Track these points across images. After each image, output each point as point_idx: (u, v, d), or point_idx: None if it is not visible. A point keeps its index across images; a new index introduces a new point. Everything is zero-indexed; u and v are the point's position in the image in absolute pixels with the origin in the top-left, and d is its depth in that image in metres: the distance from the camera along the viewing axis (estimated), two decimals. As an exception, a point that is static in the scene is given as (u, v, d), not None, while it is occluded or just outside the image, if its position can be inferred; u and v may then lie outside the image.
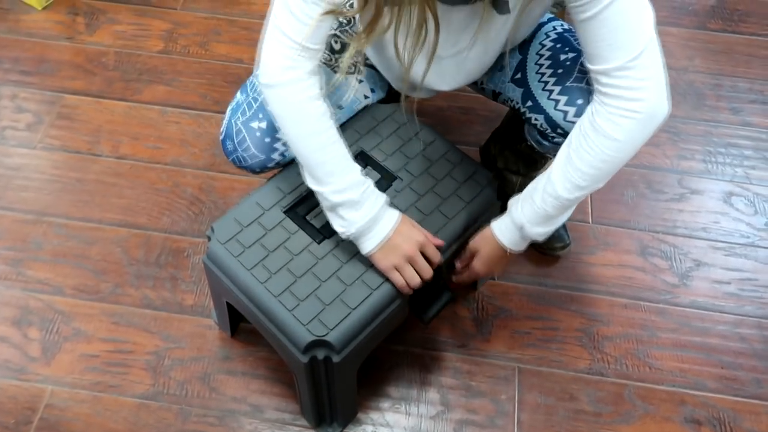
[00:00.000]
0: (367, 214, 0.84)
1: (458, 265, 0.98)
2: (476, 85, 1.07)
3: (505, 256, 0.94)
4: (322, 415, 0.99)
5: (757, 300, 1.18)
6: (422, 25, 0.77)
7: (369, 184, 0.86)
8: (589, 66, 0.80)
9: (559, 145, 0.97)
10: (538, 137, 0.99)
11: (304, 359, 0.84)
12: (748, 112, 1.45)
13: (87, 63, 1.48)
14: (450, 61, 0.91)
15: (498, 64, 0.99)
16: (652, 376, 1.09)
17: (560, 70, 0.91)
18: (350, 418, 1.03)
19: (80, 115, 1.40)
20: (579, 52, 0.92)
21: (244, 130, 0.93)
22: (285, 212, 0.93)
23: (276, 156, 0.95)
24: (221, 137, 0.96)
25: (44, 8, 1.58)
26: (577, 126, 0.83)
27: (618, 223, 1.27)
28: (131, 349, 1.10)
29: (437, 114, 1.40)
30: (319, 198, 0.87)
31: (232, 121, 0.94)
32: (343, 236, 0.86)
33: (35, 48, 1.51)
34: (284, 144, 0.94)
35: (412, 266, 0.87)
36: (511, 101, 1.00)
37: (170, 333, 1.12)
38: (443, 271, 0.94)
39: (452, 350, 1.11)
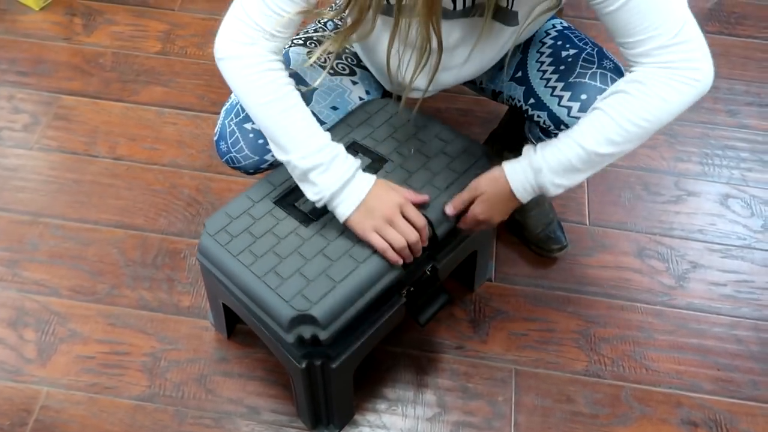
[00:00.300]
0: (338, 176, 0.81)
1: (453, 206, 0.89)
2: (475, 85, 1.07)
3: (508, 203, 0.87)
4: (319, 417, 0.99)
5: (753, 302, 1.18)
6: (425, 45, 0.77)
7: (339, 148, 0.83)
8: (625, 51, 0.78)
9: None
10: (540, 134, 0.99)
11: (301, 364, 0.84)
12: (745, 114, 1.45)
13: (84, 64, 1.48)
14: (447, 73, 0.92)
15: (498, 64, 0.99)
16: (649, 378, 1.09)
17: (562, 67, 0.92)
18: (347, 420, 1.03)
19: (77, 115, 1.40)
20: (580, 49, 0.92)
21: (237, 131, 0.93)
22: (275, 202, 0.91)
23: (269, 157, 0.94)
24: (215, 138, 0.96)
25: (41, 9, 1.58)
26: (612, 89, 0.80)
27: (615, 224, 1.27)
28: (127, 351, 1.09)
29: (436, 115, 1.40)
30: (289, 169, 0.84)
31: (226, 122, 0.94)
32: (318, 204, 0.84)
33: (32, 49, 1.50)
34: None
35: (394, 229, 0.82)
36: (512, 99, 1.00)
37: (166, 334, 1.11)
38: (440, 275, 0.94)
39: (449, 352, 1.11)
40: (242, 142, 0.93)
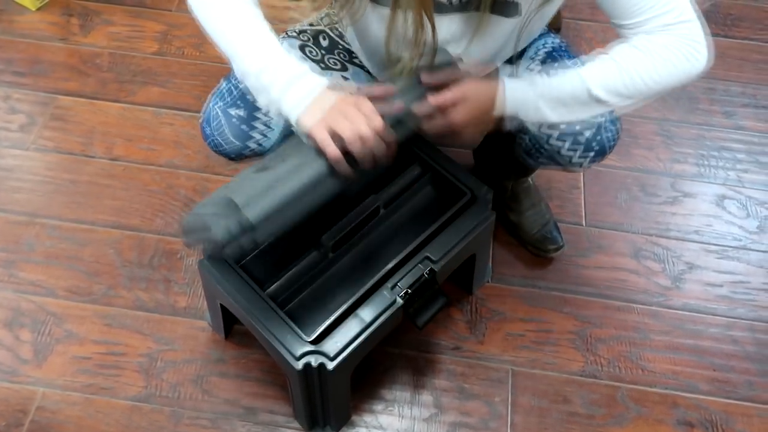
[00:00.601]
0: (288, 70, 0.76)
1: (433, 101, 0.80)
2: None
3: (488, 119, 0.83)
4: (315, 418, 0.99)
5: (749, 303, 1.18)
6: (418, 35, 0.77)
7: (291, 54, 0.80)
8: (626, 31, 0.80)
9: (544, 165, 0.98)
10: (524, 155, 1.00)
11: (298, 366, 0.84)
12: (741, 115, 1.45)
13: (81, 64, 1.48)
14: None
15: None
16: (645, 379, 1.10)
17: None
18: (344, 421, 1.03)
19: (74, 116, 1.39)
20: None
21: (222, 116, 0.93)
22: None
23: (252, 144, 0.95)
24: (200, 121, 0.97)
25: (38, 9, 1.58)
26: (619, 43, 0.81)
27: (611, 225, 1.27)
28: (124, 351, 1.09)
29: (431, 116, 1.41)
30: (245, 80, 0.81)
31: (213, 106, 0.95)
32: (272, 111, 0.80)
33: (29, 49, 1.50)
34: (261, 133, 0.94)
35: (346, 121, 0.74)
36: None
37: (163, 335, 1.11)
38: (438, 278, 0.93)
39: (446, 353, 1.11)
40: (225, 127, 0.93)
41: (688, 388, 1.09)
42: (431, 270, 0.92)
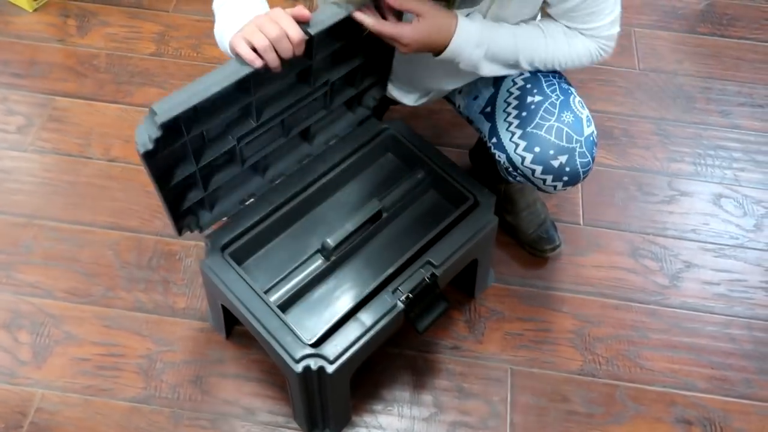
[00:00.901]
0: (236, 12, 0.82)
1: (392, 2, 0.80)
2: (455, 106, 1.09)
3: (434, 46, 0.85)
4: (315, 420, 0.99)
5: (746, 300, 1.19)
6: None
7: None
8: (562, 20, 0.93)
9: (522, 183, 1.00)
10: (503, 171, 1.01)
11: (298, 369, 0.84)
12: (737, 114, 1.46)
13: (78, 65, 1.48)
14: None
15: (473, 92, 1.01)
16: (643, 377, 1.10)
17: (524, 113, 0.93)
18: (344, 423, 1.03)
19: (71, 117, 1.39)
20: (545, 97, 0.94)
21: None
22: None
23: None
24: None
25: (35, 10, 1.57)
26: (563, 33, 0.92)
27: (609, 224, 1.28)
28: (123, 353, 1.09)
29: (430, 117, 1.41)
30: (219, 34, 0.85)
31: None
32: (224, 46, 0.83)
33: (26, 50, 1.50)
34: None
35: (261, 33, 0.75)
36: (480, 132, 1.03)
37: (162, 336, 1.11)
38: (439, 283, 0.93)
39: (445, 352, 1.11)
40: None
41: (687, 386, 1.09)
42: (433, 274, 0.91)
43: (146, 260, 1.20)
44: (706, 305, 1.18)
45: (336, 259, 0.95)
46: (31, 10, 1.57)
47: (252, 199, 0.98)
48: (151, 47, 1.51)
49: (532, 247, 1.21)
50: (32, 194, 1.28)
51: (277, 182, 1.00)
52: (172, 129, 0.76)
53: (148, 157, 0.74)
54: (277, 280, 0.94)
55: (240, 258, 0.94)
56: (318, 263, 0.95)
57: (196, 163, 0.84)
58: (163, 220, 1.25)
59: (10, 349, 1.09)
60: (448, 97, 1.11)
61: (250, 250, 0.96)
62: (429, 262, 0.92)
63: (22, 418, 1.02)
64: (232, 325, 1.10)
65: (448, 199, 1.03)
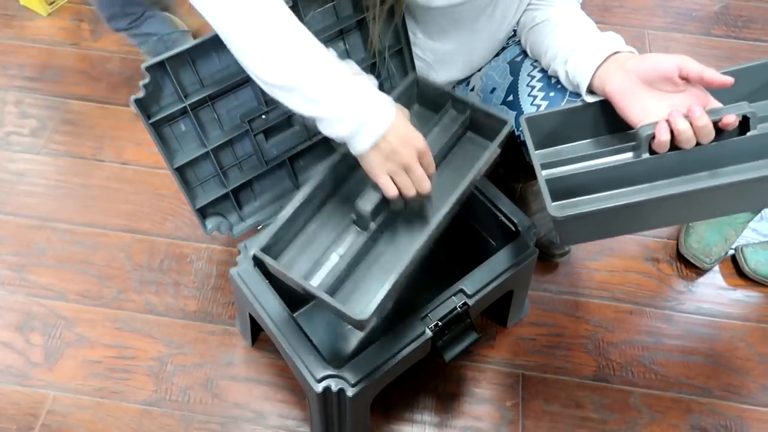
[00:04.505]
0: (360, 101, 0.70)
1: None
2: None
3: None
4: None
5: (763, 306, 1.17)
6: None
7: (354, 65, 0.77)
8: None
9: None
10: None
11: (318, 388, 0.83)
12: (753, 117, 1.44)
13: (91, 69, 1.49)
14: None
15: (490, 85, 1.00)
16: (658, 383, 1.08)
17: (552, 93, 0.91)
18: None
19: (84, 120, 1.40)
20: None
21: None
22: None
23: None
24: None
25: (49, 15, 1.59)
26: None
27: (623, 229, 1.26)
28: (134, 355, 1.09)
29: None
30: (292, 95, 0.71)
31: None
32: (329, 135, 0.73)
33: (40, 54, 1.51)
34: None
35: (408, 177, 0.75)
36: None
37: (173, 339, 1.11)
38: (471, 313, 0.89)
39: (456, 357, 1.10)
40: None
41: (702, 392, 1.08)
42: (465, 303, 0.88)
43: (158, 263, 1.20)
44: (722, 311, 1.17)
45: (374, 232, 0.82)
46: (45, 14, 1.58)
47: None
48: (164, 51, 1.52)
49: (541, 250, 1.19)
50: (45, 197, 1.28)
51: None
52: None
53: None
54: (311, 265, 0.82)
55: (275, 253, 0.82)
56: (354, 236, 0.83)
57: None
58: (174, 223, 1.25)
59: (23, 350, 1.10)
60: None
61: (283, 246, 0.83)
62: (462, 291, 0.89)
63: (33, 420, 1.03)
64: (258, 332, 1.09)
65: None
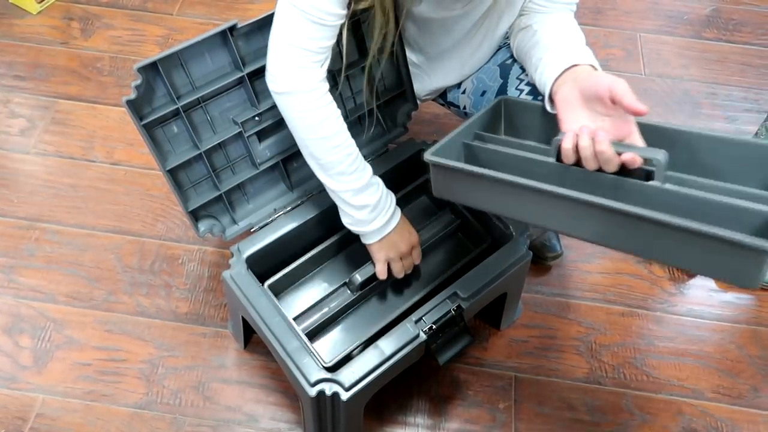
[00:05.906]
0: (381, 217, 0.89)
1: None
2: (459, 109, 1.08)
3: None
4: None
5: (754, 308, 1.18)
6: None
7: (380, 186, 0.89)
8: None
9: None
10: None
11: (312, 392, 0.82)
12: (743, 120, 1.45)
13: (82, 68, 1.47)
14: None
15: (480, 88, 1.01)
16: (650, 385, 1.09)
17: (540, 97, 0.91)
18: None
19: (74, 120, 1.39)
20: None
21: None
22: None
23: None
24: None
25: (39, 13, 1.57)
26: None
27: (615, 231, 1.27)
28: (124, 358, 1.08)
29: (434, 121, 1.40)
30: (330, 193, 0.89)
31: None
32: (350, 228, 0.91)
33: (29, 53, 1.50)
34: None
35: (401, 263, 0.95)
36: None
37: (164, 341, 1.10)
38: (465, 316, 0.90)
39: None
40: None
41: (694, 394, 1.08)
42: (459, 306, 0.89)
43: (148, 264, 1.19)
44: (713, 313, 1.17)
45: (362, 293, 0.97)
46: (35, 13, 1.57)
47: (279, 214, 0.98)
48: (155, 50, 1.51)
49: (534, 253, 1.20)
50: (34, 197, 1.27)
51: (305, 200, 0.99)
52: None
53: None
54: (303, 310, 0.96)
55: (278, 290, 0.97)
56: (344, 295, 0.97)
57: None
58: (165, 224, 1.24)
59: (11, 353, 1.08)
60: (449, 102, 1.10)
61: (283, 282, 0.99)
62: (456, 294, 0.89)
63: (22, 424, 1.01)
64: (250, 335, 1.09)
65: (479, 238, 1.04)
